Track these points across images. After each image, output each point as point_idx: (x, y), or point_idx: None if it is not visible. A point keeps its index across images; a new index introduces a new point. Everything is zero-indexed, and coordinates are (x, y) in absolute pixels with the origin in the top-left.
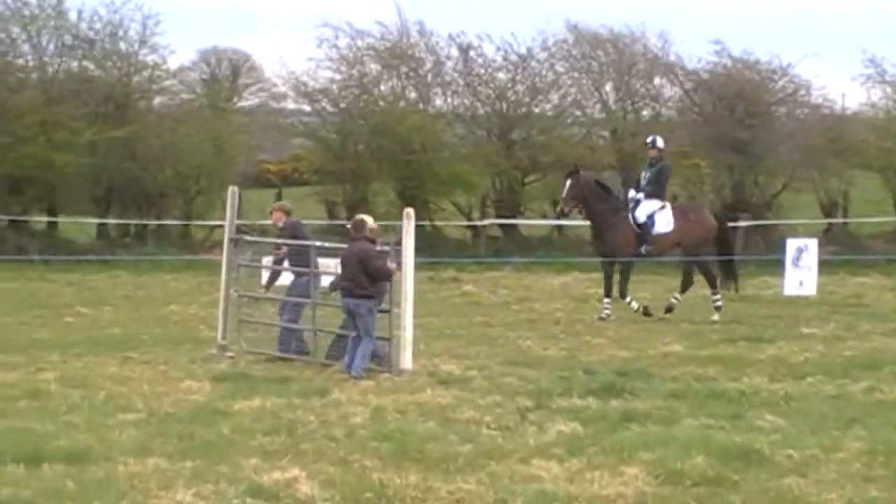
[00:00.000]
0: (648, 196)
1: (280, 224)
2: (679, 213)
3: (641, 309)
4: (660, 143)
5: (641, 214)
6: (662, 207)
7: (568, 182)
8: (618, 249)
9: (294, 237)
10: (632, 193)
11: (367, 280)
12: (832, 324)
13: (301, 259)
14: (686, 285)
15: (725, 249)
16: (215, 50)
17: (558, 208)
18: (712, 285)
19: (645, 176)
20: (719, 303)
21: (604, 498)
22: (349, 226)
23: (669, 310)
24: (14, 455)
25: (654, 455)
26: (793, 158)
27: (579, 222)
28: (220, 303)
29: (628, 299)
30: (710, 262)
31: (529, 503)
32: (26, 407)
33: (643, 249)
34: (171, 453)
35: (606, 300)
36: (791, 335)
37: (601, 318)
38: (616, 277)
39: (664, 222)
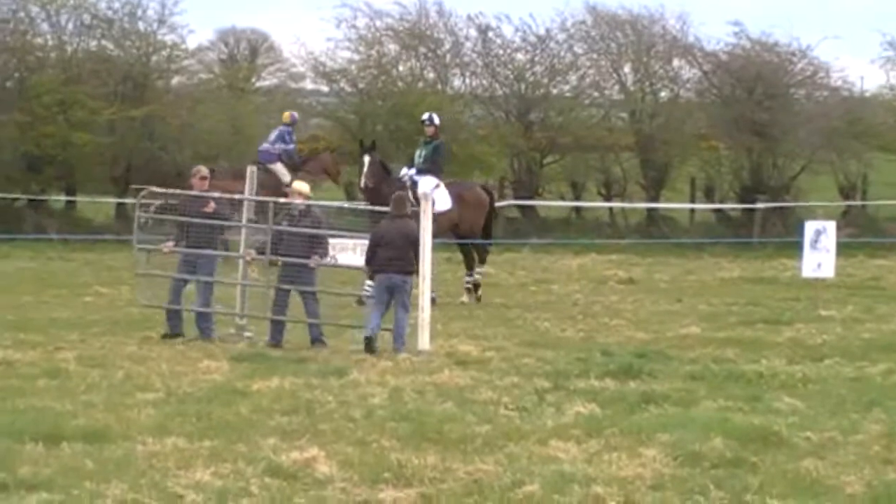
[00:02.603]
0: (423, 173)
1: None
2: (454, 192)
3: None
4: (436, 120)
5: (422, 191)
6: (437, 186)
7: (367, 159)
8: None
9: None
10: (404, 171)
11: (415, 257)
12: (850, 306)
13: (203, 233)
14: (470, 263)
15: (486, 229)
16: (234, 30)
17: (362, 184)
18: (469, 266)
19: (420, 154)
20: (469, 285)
21: (622, 479)
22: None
23: (471, 291)
24: (33, 434)
25: (673, 437)
26: (811, 141)
27: (598, 203)
28: (237, 282)
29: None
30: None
31: (547, 484)
32: (45, 386)
33: None
34: (189, 433)
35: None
36: (809, 317)
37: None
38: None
39: (441, 201)
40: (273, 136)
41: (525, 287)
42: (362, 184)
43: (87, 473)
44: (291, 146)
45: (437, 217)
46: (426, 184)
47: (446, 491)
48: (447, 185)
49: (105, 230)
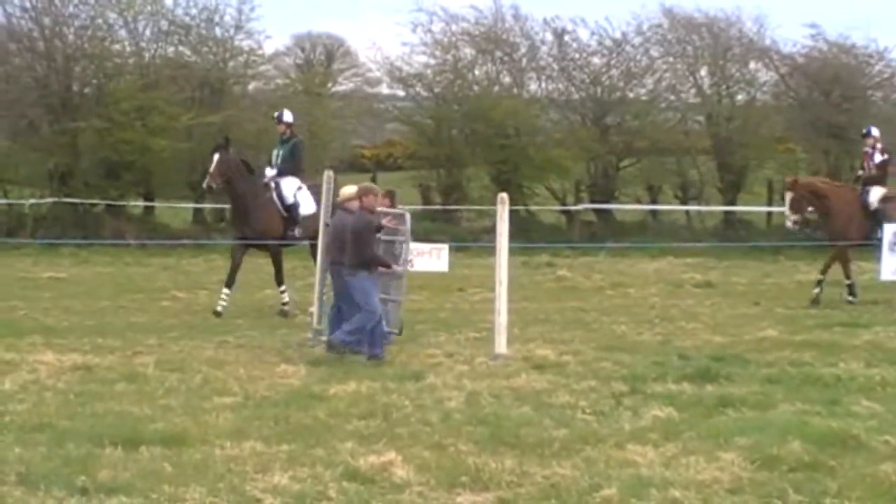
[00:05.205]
0: (284, 174)
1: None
2: (316, 195)
3: (286, 307)
4: (287, 116)
5: (289, 194)
6: (300, 188)
7: (216, 157)
8: (265, 232)
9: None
10: (269, 172)
11: None
12: None
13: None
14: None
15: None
16: (310, 35)
17: (205, 184)
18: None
19: (278, 154)
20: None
21: (699, 483)
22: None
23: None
24: (112, 438)
25: (750, 440)
26: (889, 143)
27: (675, 206)
28: (315, 287)
29: (283, 288)
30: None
31: (625, 488)
32: (124, 390)
33: (296, 232)
34: (267, 437)
35: (226, 291)
36: (887, 320)
37: (216, 313)
38: (241, 264)
39: (306, 203)
40: None
41: (602, 291)
42: (205, 184)
43: (165, 477)
44: None
45: (304, 220)
46: (289, 185)
47: (524, 495)
48: (309, 188)
49: (182, 235)
